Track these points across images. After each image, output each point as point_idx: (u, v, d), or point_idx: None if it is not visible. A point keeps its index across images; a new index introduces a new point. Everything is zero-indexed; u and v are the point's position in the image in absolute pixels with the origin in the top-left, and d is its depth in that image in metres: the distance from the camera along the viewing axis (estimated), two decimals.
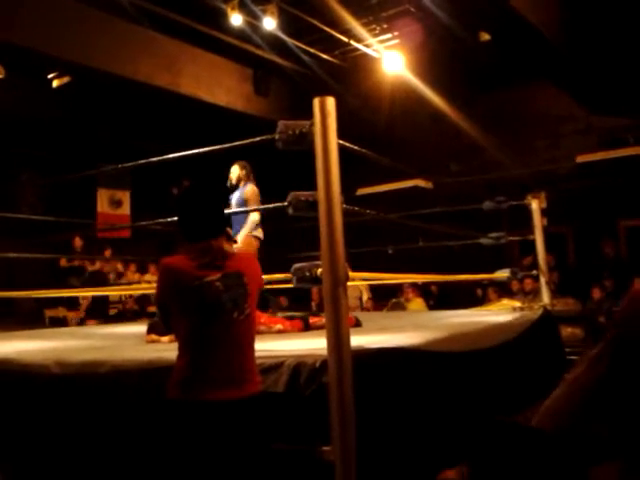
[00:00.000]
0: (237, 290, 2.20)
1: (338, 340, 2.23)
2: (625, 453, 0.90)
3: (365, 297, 9.49)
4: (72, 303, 9.10)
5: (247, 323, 2.22)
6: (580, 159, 9.81)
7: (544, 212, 5.38)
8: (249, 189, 5.19)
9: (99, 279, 9.21)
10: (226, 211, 2.60)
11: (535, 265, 5.35)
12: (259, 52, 9.52)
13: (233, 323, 2.17)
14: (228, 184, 5.32)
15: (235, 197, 5.32)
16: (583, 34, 8.67)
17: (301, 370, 2.37)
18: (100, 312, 9.17)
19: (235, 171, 5.36)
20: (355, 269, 4.02)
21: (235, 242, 2.42)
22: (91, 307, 9.18)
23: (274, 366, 2.43)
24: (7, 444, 3.08)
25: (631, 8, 8.17)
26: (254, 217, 5.11)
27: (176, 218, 2.32)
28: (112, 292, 9.18)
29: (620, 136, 9.60)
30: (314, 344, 2.72)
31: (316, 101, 2.38)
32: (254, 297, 2.27)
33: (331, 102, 2.39)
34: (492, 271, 5.41)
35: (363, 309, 9.08)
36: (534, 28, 7.70)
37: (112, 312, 9.63)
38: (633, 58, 8.54)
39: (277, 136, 2.49)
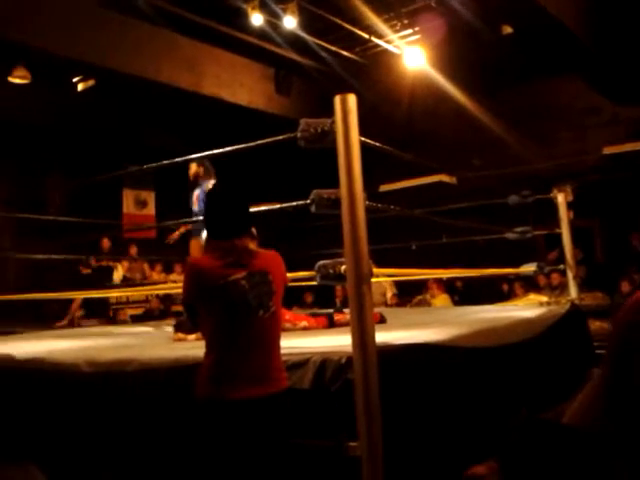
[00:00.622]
0: (262, 288, 2.22)
1: (363, 336, 2.23)
2: (626, 449, 0.90)
3: (389, 294, 9.46)
4: None
5: (273, 321, 2.24)
6: (607, 151, 9.65)
7: (570, 205, 5.31)
8: (210, 186, 4.99)
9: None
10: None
11: (561, 259, 5.29)
12: (280, 51, 9.54)
13: (259, 321, 2.19)
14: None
15: (195, 194, 5.24)
16: (607, 24, 8.53)
17: (327, 367, 2.38)
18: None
19: (192, 168, 5.24)
20: (379, 265, 4.02)
21: (256, 239, 2.43)
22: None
23: (300, 363, 2.44)
24: (38, 441, 3.14)
25: None
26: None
27: (201, 218, 2.35)
28: (137, 292, 9.28)
29: None
30: (339, 341, 2.73)
31: (337, 99, 2.39)
32: (279, 295, 2.29)
33: (352, 99, 2.39)
34: (518, 266, 5.35)
35: (387, 305, 9.06)
36: (557, 20, 7.59)
37: (138, 311, 9.71)
38: None
39: (299, 134, 2.49)
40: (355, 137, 2.37)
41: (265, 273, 2.25)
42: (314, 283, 2.55)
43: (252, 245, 2.31)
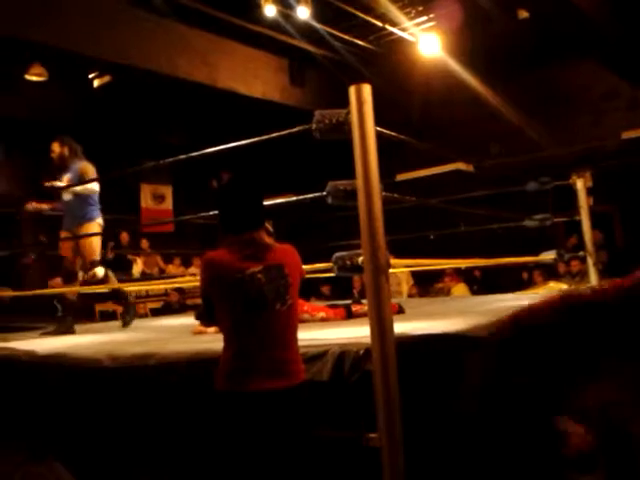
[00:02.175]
0: (279, 281, 2.22)
1: (381, 327, 2.22)
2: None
3: (406, 286, 9.37)
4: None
5: (289, 314, 2.25)
6: (625, 135, 9.52)
7: (590, 191, 5.23)
8: (83, 166, 4.58)
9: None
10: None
11: (580, 246, 5.23)
12: (294, 42, 9.51)
13: (275, 314, 2.20)
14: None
15: (66, 178, 4.66)
16: (625, 6, 8.37)
17: (345, 358, 2.38)
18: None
19: (56, 150, 4.68)
20: (397, 256, 4.00)
21: (271, 234, 2.42)
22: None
23: (318, 355, 2.44)
24: (61, 438, 3.19)
25: None
26: (94, 188, 4.52)
27: (218, 211, 2.35)
28: (156, 285, 9.35)
29: None
30: (357, 332, 2.73)
31: (352, 89, 2.37)
32: (296, 288, 2.29)
33: (367, 89, 2.37)
34: (537, 254, 5.31)
35: (406, 296, 9.02)
36: (573, 3, 7.47)
37: (157, 305, 9.77)
38: None
39: (314, 126, 2.48)
40: (370, 127, 2.35)
41: (281, 266, 2.25)
42: (332, 275, 2.55)
43: (268, 239, 2.31)
